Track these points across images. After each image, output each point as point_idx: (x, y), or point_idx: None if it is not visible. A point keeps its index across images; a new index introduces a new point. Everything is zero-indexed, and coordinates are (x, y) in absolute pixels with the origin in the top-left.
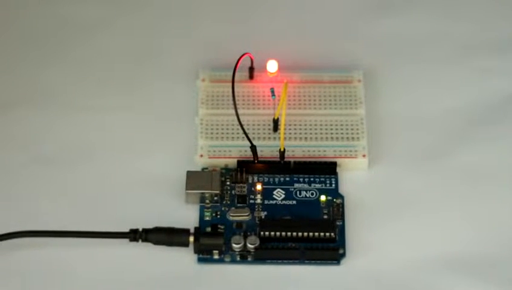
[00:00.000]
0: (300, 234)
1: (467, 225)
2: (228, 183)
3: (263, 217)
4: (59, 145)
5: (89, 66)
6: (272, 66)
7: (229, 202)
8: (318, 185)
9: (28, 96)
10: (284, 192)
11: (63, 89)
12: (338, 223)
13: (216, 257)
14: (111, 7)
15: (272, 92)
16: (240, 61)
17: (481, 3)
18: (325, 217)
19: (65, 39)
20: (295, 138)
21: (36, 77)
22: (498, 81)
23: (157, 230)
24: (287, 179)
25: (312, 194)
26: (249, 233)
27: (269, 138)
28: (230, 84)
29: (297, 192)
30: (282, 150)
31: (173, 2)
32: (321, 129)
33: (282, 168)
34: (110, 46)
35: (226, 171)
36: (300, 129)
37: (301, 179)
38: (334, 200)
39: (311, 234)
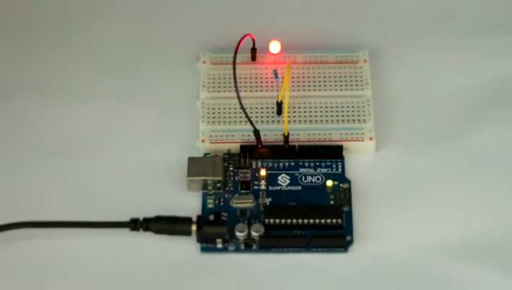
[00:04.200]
0: (306, 221)
1: (477, 209)
2: (231, 169)
3: (268, 203)
4: (58, 134)
5: (88, 51)
6: (275, 47)
7: (232, 189)
8: (324, 170)
9: (26, 86)
10: (288, 177)
11: (62, 78)
12: (345, 209)
13: (220, 245)
14: None
15: (275, 74)
16: (242, 43)
17: None
18: (332, 202)
19: (63, 27)
20: (299, 121)
21: (35, 67)
22: (509, 61)
23: (159, 219)
24: (292, 163)
25: (318, 179)
26: (253, 221)
27: (273, 121)
28: (232, 66)
29: (303, 177)
30: (286, 134)
31: None
32: (326, 112)
33: (287, 152)
34: (109, 31)
35: (228, 156)
36: (304, 112)
37: (306, 164)
38: (341, 185)
39: (317, 220)
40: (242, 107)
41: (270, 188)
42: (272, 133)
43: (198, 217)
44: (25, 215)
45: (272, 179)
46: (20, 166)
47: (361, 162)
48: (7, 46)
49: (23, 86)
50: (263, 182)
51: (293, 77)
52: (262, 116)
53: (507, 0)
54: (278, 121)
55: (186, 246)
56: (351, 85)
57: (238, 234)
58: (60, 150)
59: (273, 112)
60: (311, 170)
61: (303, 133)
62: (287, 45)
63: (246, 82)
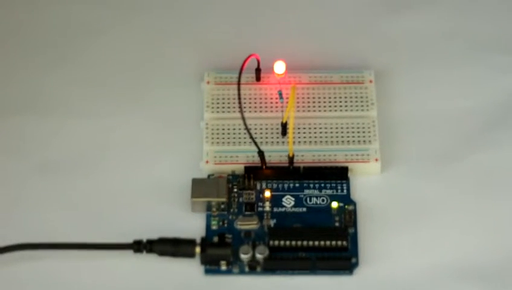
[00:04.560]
0: (311, 243)
1: (485, 231)
2: (235, 190)
3: (272, 225)
4: (60, 153)
5: (91, 71)
6: (280, 67)
7: (236, 210)
8: (329, 191)
9: (28, 103)
10: (293, 199)
11: (65, 95)
12: (350, 231)
13: (224, 268)
14: (113, 10)
15: (280, 94)
16: (246, 63)
17: (496, 1)
18: (337, 224)
19: (67, 44)
20: (304, 142)
21: (38, 83)
22: None
23: (162, 241)
24: (297, 185)
25: (323, 200)
26: (257, 243)
27: (277, 142)
28: (236, 86)
29: (308, 198)
30: (291, 155)
31: (176, 3)
32: (331, 132)
33: (292, 173)
34: (113, 50)
35: (233, 177)
36: (309, 133)
37: (311, 185)
38: (346, 206)
39: (322, 242)
40: (246, 128)
41: (275, 209)
42: (276, 154)
43: (202, 239)
44: (26, 236)
45: (276, 201)
46: (20, 185)
47: (367, 183)
48: (9, 63)
49: (25, 104)
50: (268, 204)
51: (297, 98)
52: (266, 137)
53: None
54: (283, 142)
55: (190, 268)
56: (357, 106)
57: (242, 256)
58: (61, 169)
59: (277, 133)
60: (316, 192)
61: (308, 154)
62: (292, 64)
63: (250, 102)
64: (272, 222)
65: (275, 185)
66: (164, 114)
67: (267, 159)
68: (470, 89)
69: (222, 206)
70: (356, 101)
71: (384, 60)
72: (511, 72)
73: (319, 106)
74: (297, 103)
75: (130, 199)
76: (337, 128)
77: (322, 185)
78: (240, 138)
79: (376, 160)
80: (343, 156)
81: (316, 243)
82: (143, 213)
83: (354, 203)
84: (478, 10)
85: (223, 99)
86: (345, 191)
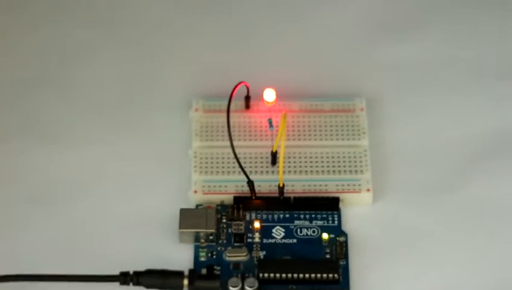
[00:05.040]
0: (301, 275)
1: (479, 263)
2: (224, 221)
3: (262, 257)
4: (45, 182)
5: (77, 96)
6: (269, 94)
7: (225, 241)
8: (320, 222)
9: (11, 132)
10: (283, 230)
11: (48, 123)
12: (341, 263)
13: None
14: (100, 37)
15: (270, 123)
16: (236, 90)
17: (489, 29)
18: (328, 256)
19: (51, 71)
20: (295, 171)
21: (21, 111)
22: (509, 109)
23: (149, 273)
24: (287, 215)
25: (313, 232)
26: (247, 275)
27: (267, 172)
28: (226, 114)
29: (298, 230)
30: (281, 185)
31: (164, 29)
32: (322, 162)
33: (282, 204)
34: (99, 77)
35: (221, 208)
36: (300, 162)
37: (302, 216)
38: (337, 238)
39: (312, 275)
40: (236, 157)
41: (265, 241)
42: (266, 184)
43: (190, 270)
44: (11, 267)
45: (266, 232)
46: (7, 215)
47: (359, 214)
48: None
49: (7, 132)
50: (257, 235)
51: (288, 126)
52: (256, 167)
53: (507, 47)
54: (273, 172)
55: None
56: (348, 134)
57: (231, 288)
58: (48, 199)
59: (267, 162)
60: (307, 223)
61: (298, 184)
62: (282, 92)
63: (239, 131)
64: (262, 254)
65: (264, 216)
66: (152, 142)
67: (256, 189)
68: (463, 118)
69: (211, 237)
70: (347, 130)
71: (376, 87)
72: (504, 101)
73: (310, 135)
74: (288, 131)
75: (117, 230)
76: (328, 157)
77: (313, 215)
78: (229, 167)
79: (368, 190)
80: (334, 186)
81: (307, 275)
82: (130, 244)
83: (345, 235)
84: (471, 38)
85: (212, 127)
86: (336, 222)
